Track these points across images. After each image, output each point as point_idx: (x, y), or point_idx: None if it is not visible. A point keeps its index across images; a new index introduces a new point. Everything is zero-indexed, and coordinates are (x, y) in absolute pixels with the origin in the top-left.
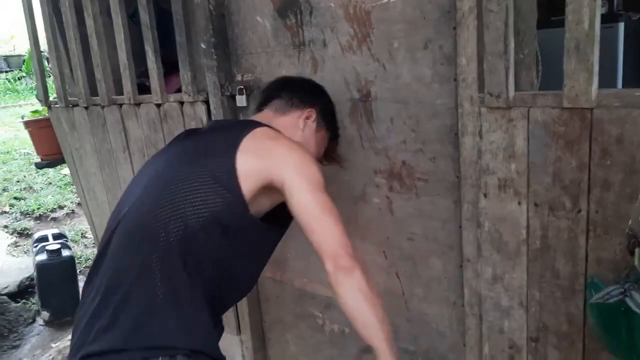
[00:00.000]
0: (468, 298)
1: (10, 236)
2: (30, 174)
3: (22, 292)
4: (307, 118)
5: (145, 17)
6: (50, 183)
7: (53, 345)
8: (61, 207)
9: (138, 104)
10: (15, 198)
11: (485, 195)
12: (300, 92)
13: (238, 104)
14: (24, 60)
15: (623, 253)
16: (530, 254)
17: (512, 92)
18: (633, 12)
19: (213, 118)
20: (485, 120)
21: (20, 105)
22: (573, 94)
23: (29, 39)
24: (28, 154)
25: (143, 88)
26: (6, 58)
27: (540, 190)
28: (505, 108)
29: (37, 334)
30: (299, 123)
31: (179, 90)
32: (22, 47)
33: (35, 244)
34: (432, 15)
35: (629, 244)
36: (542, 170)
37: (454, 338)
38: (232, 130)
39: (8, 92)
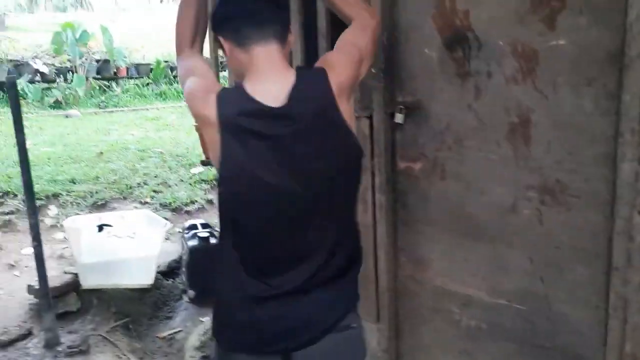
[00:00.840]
0: (613, 302)
1: None
2: (165, 171)
3: (169, 272)
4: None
5: (323, 44)
6: (182, 180)
7: (202, 319)
8: (193, 202)
9: None
10: (154, 191)
11: (639, 213)
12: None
13: (396, 121)
14: (151, 68)
15: None
16: None
17: None
18: None
19: (375, 132)
20: None
21: (147, 109)
22: None
23: (211, 53)
24: (161, 153)
25: None
26: (137, 66)
27: None
28: None
29: (185, 309)
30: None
31: None
32: (151, 56)
33: (186, 231)
34: (598, 58)
35: None
36: None
37: (593, 338)
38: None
39: (137, 96)
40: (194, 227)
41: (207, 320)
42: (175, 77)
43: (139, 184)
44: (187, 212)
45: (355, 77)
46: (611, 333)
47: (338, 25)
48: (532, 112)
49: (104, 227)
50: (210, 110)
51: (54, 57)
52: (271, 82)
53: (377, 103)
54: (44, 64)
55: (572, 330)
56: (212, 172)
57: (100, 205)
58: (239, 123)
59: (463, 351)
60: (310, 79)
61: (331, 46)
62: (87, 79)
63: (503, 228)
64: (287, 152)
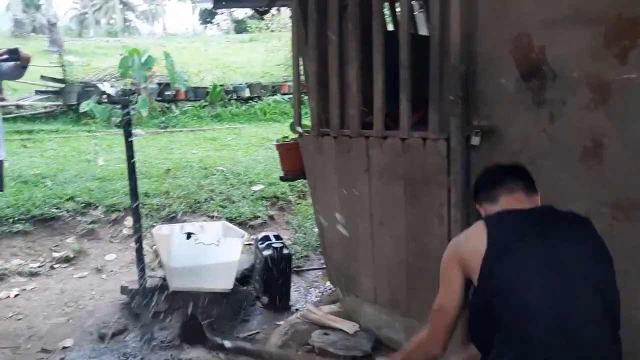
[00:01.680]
0: None
1: None
2: (227, 188)
3: (242, 280)
4: None
5: (404, 74)
6: (244, 197)
7: (278, 323)
8: (256, 217)
9: (384, 137)
10: (220, 206)
11: None
12: (531, 179)
13: (472, 143)
14: (207, 92)
15: None
16: None
17: None
18: None
19: (452, 152)
20: None
21: (204, 130)
22: None
23: (293, 83)
24: (223, 171)
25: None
26: (194, 89)
27: None
28: None
29: (260, 314)
30: None
31: (414, 126)
32: (207, 80)
33: (260, 242)
34: None
35: None
36: None
37: None
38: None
39: (194, 117)
40: (267, 238)
41: (282, 323)
42: (230, 99)
43: (205, 199)
44: (251, 227)
45: None
46: None
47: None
48: (604, 135)
49: (192, 234)
50: None
51: (118, 79)
52: None
53: (455, 126)
54: (111, 86)
55: None
56: (271, 189)
57: (172, 217)
58: None
59: None
60: None
61: (412, 77)
62: (150, 101)
63: None
64: None
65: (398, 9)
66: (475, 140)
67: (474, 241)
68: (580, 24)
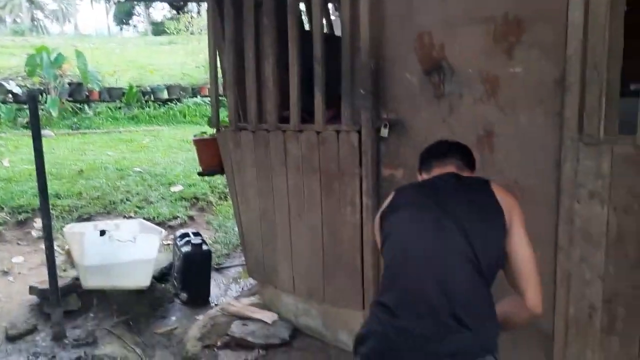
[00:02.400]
0: (560, 275)
1: None
2: (145, 189)
3: (160, 278)
4: None
5: (318, 70)
6: (163, 198)
7: (197, 317)
8: (175, 217)
9: (300, 131)
10: (137, 207)
11: (578, 202)
12: (469, 157)
13: (381, 135)
14: (123, 93)
15: None
16: (609, 242)
17: (602, 135)
18: None
19: (363, 144)
20: (582, 152)
21: (120, 132)
22: None
23: (210, 78)
24: (140, 172)
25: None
26: (109, 90)
27: (618, 198)
28: (596, 144)
29: (179, 310)
30: None
31: (329, 120)
32: (123, 81)
33: (179, 239)
34: (547, 82)
35: None
36: (620, 185)
37: (545, 308)
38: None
39: (109, 119)
40: (186, 235)
41: (202, 317)
42: (147, 101)
43: (121, 200)
44: (170, 227)
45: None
46: (558, 301)
47: (332, 52)
48: (495, 125)
49: (105, 232)
50: None
51: (26, 78)
52: None
53: (365, 119)
54: (17, 85)
55: None
56: (191, 190)
57: (85, 219)
58: None
59: None
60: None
61: (326, 72)
62: (60, 101)
63: None
64: None
65: None
66: (384, 132)
67: (384, 206)
68: (474, 23)
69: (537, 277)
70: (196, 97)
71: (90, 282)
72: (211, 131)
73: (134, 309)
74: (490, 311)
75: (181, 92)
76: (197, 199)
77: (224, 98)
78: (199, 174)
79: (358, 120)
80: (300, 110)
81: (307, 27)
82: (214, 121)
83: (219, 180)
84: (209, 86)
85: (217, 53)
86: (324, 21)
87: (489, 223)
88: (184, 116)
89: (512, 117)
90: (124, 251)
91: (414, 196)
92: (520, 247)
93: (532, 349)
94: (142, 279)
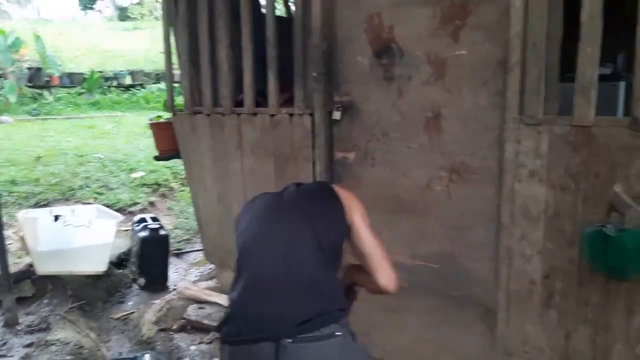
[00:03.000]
0: (502, 253)
1: None
2: (105, 175)
3: (119, 263)
4: None
5: (271, 52)
6: (124, 184)
7: (154, 302)
8: (135, 204)
9: (255, 114)
10: (97, 193)
11: (519, 181)
12: None
13: (334, 118)
14: (84, 78)
15: (604, 216)
16: (547, 219)
17: (541, 115)
18: (633, 74)
19: (316, 127)
20: (522, 132)
21: (81, 118)
22: (579, 117)
23: (165, 62)
24: (101, 158)
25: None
26: (69, 75)
27: (555, 177)
28: (536, 125)
29: (136, 295)
30: None
31: (283, 104)
32: (84, 66)
33: (136, 224)
34: (490, 64)
35: (608, 209)
36: (557, 164)
37: (489, 284)
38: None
39: (70, 105)
40: (143, 220)
41: (158, 301)
42: (109, 87)
43: (80, 186)
44: (130, 213)
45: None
46: (501, 277)
47: (285, 35)
48: (443, 107)
49: (59, 217)
50: None
51: None
52: None
53: (318, 102)
54: None
55: (474, 280)
56: (152, 176)
57: (42, 206)
58: None
59: (390, 309)
60: None
61: (280, 56)
62: (19, 86)
63: (420, 203)
64: None
65: None
66: (337, 115)
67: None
68: (422, 5)
69: (385, 261)
70: (160, 83)
71: (44, 267)
72: (167, 115)
73: (91, 294)
74: (333, 285)
75: (144, 78)
76: (158, 185)
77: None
78: (155, 158)
79: (311, 103)
80: (254, 93)
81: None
82: (169, 105)
83: (181, 166)
84: (174, 72)
85: (172, 36)
86: (283, 5)
87: (329, 209)
88: (148, 102)
89: (458, 98)
90: (79, 236)
91: (262, 198)
92: (364, 235)
93: (477, 324)
94: (98, 264)
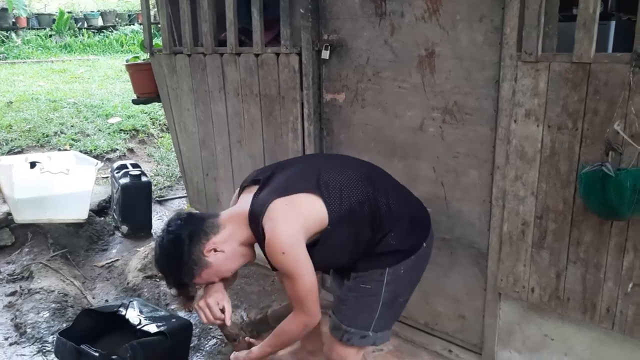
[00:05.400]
0: (495, 194)
1: None
2: (81, 121)
3: (100, 211)
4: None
5: None
6: (100, 130)
7: (138, 249)
8: (114, 150)
9: (238, 54)
10: (73, 139)
11: (515, 121)
12: None
13: (322, 57)
14: (54, 19)
15: (602, 155)
16: (542, 159)
17: (540, 52)
18: (623, 13)
19: (304, 67)
20: (520, 70)
21: (52, 61)
22: (579, 54)
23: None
24: (75, 103)
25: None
26: (37, 16)
27: (553, 116)
28: (534, 62)
29: (120, 243)
30: None
31: (269, 43)
32: (53, 6)
33: (117, 171)
34: None
35: (606, 148)
36: (555, 103)
37: (481, 226)
38: None
39: (40, 48)
40: (124, 167)
41: (143, 249)
42: (80, 29)
43: (55, 132)
44: (109, 160)
45: None
46: (493, 218)
47: None
48: (437, 45)
49: (36, 164)
50: None
51: None
52: None
53: (305, 41)
54: None
55: (466, 222)
56: (130, 122)
57: (16, 153)
58: None
59: None
60: None
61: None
62: None
63: (413, 145)
64: None
65: None
66: (325, 54)
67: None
68: None
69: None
70: (133, 24)
71: (22, 216)
72: (145, 56)
73: (72, 242)
74: None
75: (117, 19)
76: (137, 131)
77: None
78: (134, 101)
79: (298, 42)
80: (237, 31)
81: None
82: (146, 45)
83: (160, 111)
84: None
85: None
86: None
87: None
88: (121, 45)
89: (453, 35)
90: (57, 183)
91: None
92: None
93: (468, 266)
94: (78, 212)
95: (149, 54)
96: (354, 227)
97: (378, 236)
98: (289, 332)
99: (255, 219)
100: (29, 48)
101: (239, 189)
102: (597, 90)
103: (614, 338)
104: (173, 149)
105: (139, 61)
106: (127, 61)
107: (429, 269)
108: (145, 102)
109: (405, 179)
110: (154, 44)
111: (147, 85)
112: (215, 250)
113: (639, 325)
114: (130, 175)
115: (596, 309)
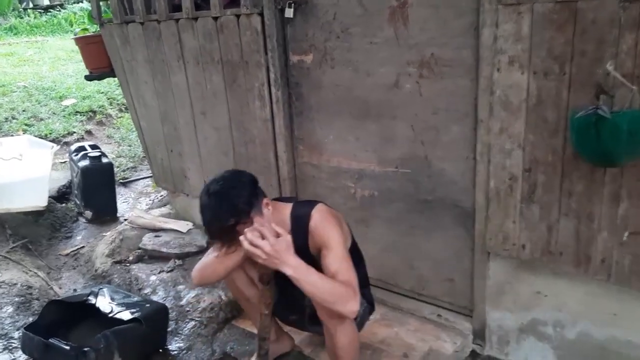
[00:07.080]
0: (480, 149)
1: None
2: (33, 105)
3: (60, 197)
4: None
5: None
6: (54, 113)
7: (104, 234)
8: (70, 133)
9: (195, 18)
10: (26, 124)
11: (498, 70)
12: None
13: (286, 16)
14: None
15: (592, 99)
16: (528, 109)
17: None
18: None
19: (267, 28)
20: (501, 14)
21: None
22: None
23: None
24: (25, 87)
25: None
26: None
27: (538, 62)
28: (516, 4)
29: (84, 229)
30: None
31: (228, 5)
32: None
33: (75, 153)
34: None
35: (596, 92)
36: (539, 47)
37: (465, 184)
38: None
39: None
40: (82, 148)
41: (110, 233)
42: (25, 9)
43: (6, 118)
44: (66, 144)
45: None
46: (479, 175)
47: None
48: None
49: None
50: None
51: None
52: None
53: None
54: None
55: (449, 181)
56: (86, 103)
57: None
58: None
59: (359, 220)
60: None
61: None
62: None
63: (388, 104)
64: None
65: None
66: (289, 12)
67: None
68: None
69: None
70: (82, 2)
71: None
72: (95, 28)
73: (33, 232)
74: None
75: None
76: (94, 112)
77: None
78: (87, 77)
79: (259, 1)
80: None
81: None
82: (95, 15)
83: (117, 90)
84: None
85: None
86: None
87: None
88: (71, 24)
89: None
90: (11, 170)
91: None
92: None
93: (453, 227)
94: (37, 199)
95: (98, 25)
96: None
97: None
98: (334, 284)
99: (302, 206)
100: None
101: None
102: (584, 30)
103: (608, 290)
104: (134, 130)
105: (89, 34)
106: (75, 35)
107: (412, 233)
108: (99, 78)
109: (382, 140)
110: (103, 14)
111: (99, 60)
112: (267, 207)
113: (636, 274)
114: (90, 157)
115: (590, 261)
